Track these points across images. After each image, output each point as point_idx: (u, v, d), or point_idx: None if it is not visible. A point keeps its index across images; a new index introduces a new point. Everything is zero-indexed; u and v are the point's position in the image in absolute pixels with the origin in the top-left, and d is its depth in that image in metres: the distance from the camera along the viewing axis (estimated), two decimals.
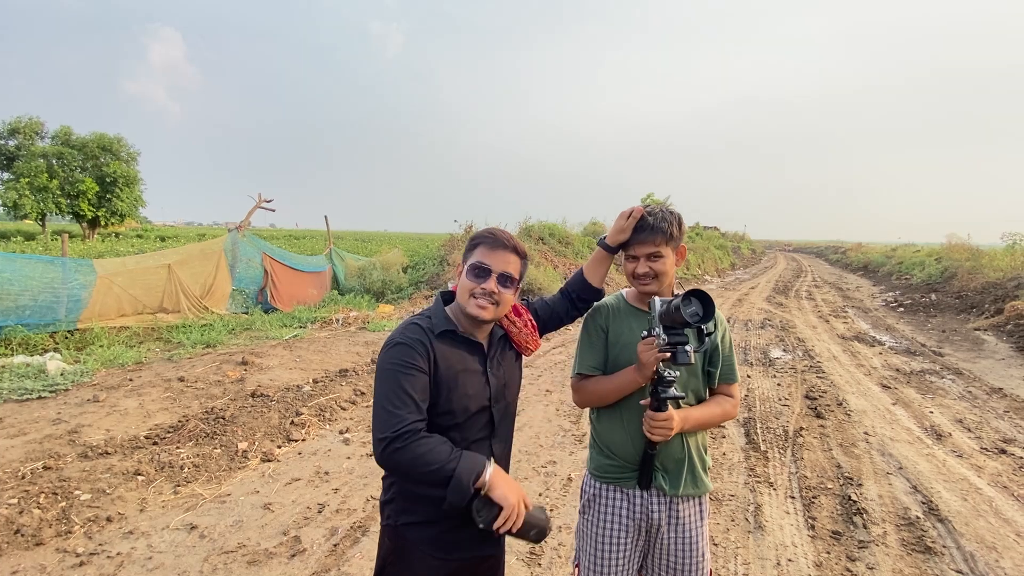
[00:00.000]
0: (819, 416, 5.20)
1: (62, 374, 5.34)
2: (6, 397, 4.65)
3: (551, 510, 3.27)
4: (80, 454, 3.72)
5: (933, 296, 14.61)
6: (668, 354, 1.38)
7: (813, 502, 3.47)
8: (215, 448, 3.96)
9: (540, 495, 3.46)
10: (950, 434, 4.78)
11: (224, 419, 4.39)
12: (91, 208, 28.37)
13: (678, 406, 1.52)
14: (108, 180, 28.90)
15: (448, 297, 1.48)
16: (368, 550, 2.83)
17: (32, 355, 5.90)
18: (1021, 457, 4.28)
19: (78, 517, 3.02)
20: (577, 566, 1.71)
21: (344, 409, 4.94)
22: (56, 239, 24.14)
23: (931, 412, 5.43)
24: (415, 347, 1.30)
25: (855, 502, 3.45)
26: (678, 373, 1.44)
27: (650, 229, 1.55)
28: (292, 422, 4.50)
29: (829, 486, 3.71)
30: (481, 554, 1.43)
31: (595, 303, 1.71)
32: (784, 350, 8.42)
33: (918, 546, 2.99)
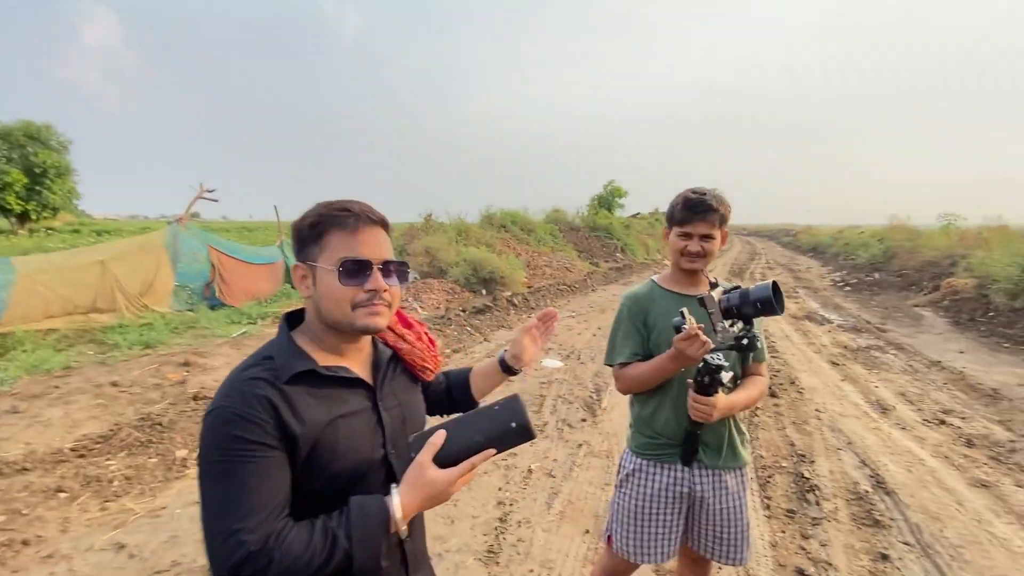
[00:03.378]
0: (773, 395, 5.32)
1: None
2: None
3: (509, 505, 3.19)
4: None
5: (876, 275, 15.36)
6: (713, 346, 1.43)
7: (768, 482, 3.52)
8: (150, 458, 3.68)
9: (500, 489, 3.38)
10: (894, 407, 4.98)
11: (161, 425, 4.09)
12: (19, 201, 26.29)
13: (727, 391, 1.58)
14: (37, 171, 26.83)
15: (296, 319, 1.06)
16: None
17: None
18: (958, 427, 4.49)
19: None
20: (609, 539, 1.80)
21: None
22: None
23: (876, 387, 5.65)
24: (252, 417, 0.87)
25: (808, 479, 3.52)
26: (728, 362, 1.47)
27: (710, 209, 1.61)
28: None
29: (783, 464, 3.79)
30: None
31: (627, 293, 1.78)
32: None
33: (867, 520, 3.07)
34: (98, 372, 5.40)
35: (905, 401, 5.18)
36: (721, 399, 1.52)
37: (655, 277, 1.81)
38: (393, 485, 0.95)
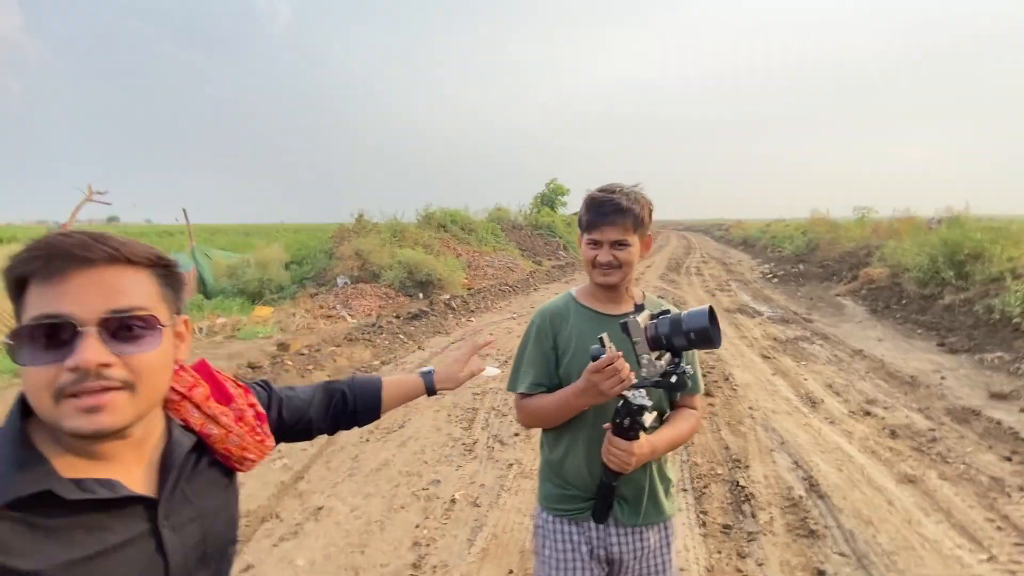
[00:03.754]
0: (707, 394, 5.25)
1: None
2: None
3: (426, 545, 2.83)
4: None
5: (801, 266, 16.14)
6: (633, 380, 1.19)
7: (704, 493, 3.36)
8: None
9: (417, 526, 3.01)
10: (822, 400, 5.03)
11: None
12: None
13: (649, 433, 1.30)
14: None
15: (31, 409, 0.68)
16: None
17: None
18: (882, 417, 4.57)
19: None
20: None
21: None
22: None
23: (805, 379, 5.73)
24: None
25: (743, 487, 3.39)
26: (651, 401, 1.20)
27: (620, 211, 1.33)
28: None
29: (719, 471, 3.65)
30: None
31: (541, 308, 1.50)
32: None
33: (802, 529, 2.95)
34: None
35: (832, 393, 5.26)
36: (642, 444, 1.26)
37: (574, 290, 1.52)
38: None
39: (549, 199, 27.55)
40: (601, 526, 1.39)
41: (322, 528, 3.00)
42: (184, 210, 9.51)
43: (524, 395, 1.44)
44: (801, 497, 3.28)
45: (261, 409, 0.90)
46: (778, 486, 3.44)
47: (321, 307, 8.67)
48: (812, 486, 3.42)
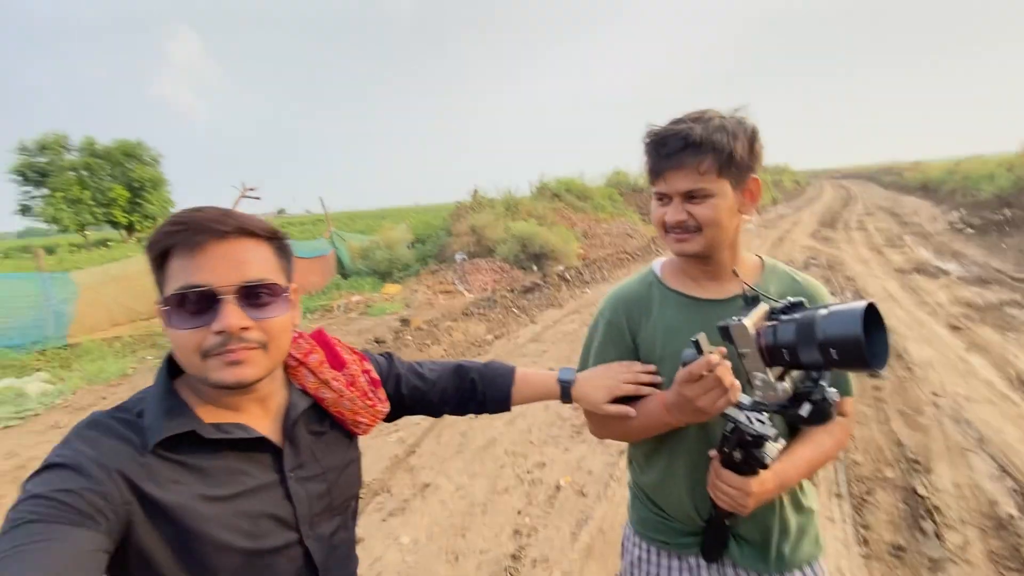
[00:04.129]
0: (872, 375, 4.33)
1: (43, 395, 5.13)
2: None
3: (527, 535, 2.68)
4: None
5: (1007, 211, 12.86)
6: (739, 399, 0.86)
7: (866, 501, 2.72)
8: None
9: (519, 512, 2.87)
10: None
11: None
12: (124, 214, 29.26)
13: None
14: (136, 185, 29.62)
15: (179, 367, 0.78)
16: None
17: (20, 377, 5.74)
18: None
19: None
20: None
21: None
22: (105, 247, 25.02)
23: (1016, 357, 4.46)
24: (74, 486, 0.62)
25: (923, 498, 2.68)
26: (774, 429, 0.87)
27: (693, 147, 0.92)
28: None
29: (887, 475, 2.94)
30: None
31: (613, 291, 1.16)
32: (832, 293, 7.40)
33: (1014, 561, 2.22)
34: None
35: None
36: (763, 481, 0.92)
37: (658, 264, 1.13)
38: None
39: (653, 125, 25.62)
40: (715, 565, 1.07)
41: (427, 506, 3.01)
42: (321, 199, 10.50)
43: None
44: (1011, 516, 2.49)
45: (376, 375, 0.95)
46: (976, 499, 2.66)
47: (440, 283, 9.00)
48: None
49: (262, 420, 0.81)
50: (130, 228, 30.27)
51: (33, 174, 28.20)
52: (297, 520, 0.80)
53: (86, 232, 29.83)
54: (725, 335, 0.85)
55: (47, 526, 0.59)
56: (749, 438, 0.87)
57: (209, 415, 0.76)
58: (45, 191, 28.07)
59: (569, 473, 3.22)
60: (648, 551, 1.14)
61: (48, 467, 0.65)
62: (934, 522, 2.50)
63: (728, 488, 0.93)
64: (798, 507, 1.07)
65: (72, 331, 6.57)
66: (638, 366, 1.06)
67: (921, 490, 2.74)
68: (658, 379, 1.03)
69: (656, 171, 0.99)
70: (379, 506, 3.07)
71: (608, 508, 2.85)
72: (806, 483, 1.09)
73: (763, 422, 0.87)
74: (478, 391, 1.09)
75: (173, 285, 0.71)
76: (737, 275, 1.00)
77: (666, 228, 1.00)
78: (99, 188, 28.57)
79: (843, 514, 2.63)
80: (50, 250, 25.29)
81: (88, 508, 0.62)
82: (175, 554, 0.70)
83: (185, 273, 0.71)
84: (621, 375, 1.04)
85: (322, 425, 0.88)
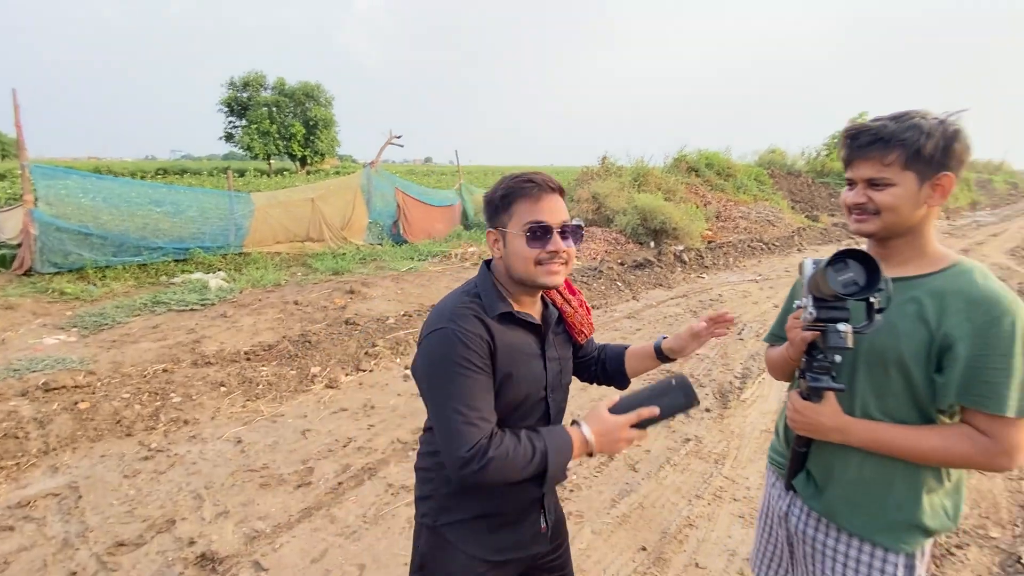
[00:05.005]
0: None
1: (219, 290, 6.39)
2: (171, 307, 5.72)
3: (569, 490, 2.83)
4: (192, 362, 4.38)
5: None
6: (814, 333, 1.11)
7: (951, 555, 2.40)
8: (292, 370, 4.32)
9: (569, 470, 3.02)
10: None
11: (310, 343, 4.76)
12: (300, 148, 33.60)
13: (853, 406, 1.15)
14: (312, 124, 33.68)
15: (491, 266, 1.25)
16: (364, 496, 2.77)
17: (207, 273, 7.18)
18: None
19: (165, 416, 3.55)
20: None
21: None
22: (281, 175, 29.28)
23: None
24: (473, 342, 1.08)
25: None
26: (838, 359, 1.10)
27: (882, 139, 1.09)
28: (367, 352, 4.69)
29: (992, 534, 2.54)
30: (531, 553, 1.28)
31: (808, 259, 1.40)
32: None
33: None
34: (292, 291, 6.57)
35: None
36: (821, 411, 1.14)
37: (865, 244, 1.27)
38: (576, 421, 1.13)
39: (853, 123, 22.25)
40: (790, 492, 1.30)
41: None
42: (456, 151, 11.09)
43: (769, 346, 1.46)
44: None
45: (587, 304, 1.38)
46: None
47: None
48: None
49: (536, 315, 1.24)
50: (303, 161, 34.77)
51: (237, 107, 33.42)
52: (548, 382, 1.23)
53: (271, 161, 34.89)
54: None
55: (477, 358, 1.09)
56: (820, 359, 1.11)
57: (516, 307, 1.20)
58: (244, 123, 33.24)
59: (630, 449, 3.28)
60: (768, 467, 1.43)
61: (452, 341, 1.08)
62: None
63: (791, 407, 1.19)
64: (878, 481, 1.14)
65: (246, 243, 7.97)
66: (716, 314, 1.35)
67: None
68: (730, 316, 1.34)
69: (848, 160, 1.17)
70: None
71: (654, 487, 2.88)
72: (931, 487, 1.12)
73: (829, 357, 1.10)
74: (601, 366, 1.45)
75: (521, 221, 1.13)
76: (928, 254, 1.16)
77: (849, 209, 1.18)
78: (283, 123, 33.05)
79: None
80: (240, 173, 30.16)
81: (480, 364, 1.09)
82: (500, 385, 1.14)
83: (530, 213, 1.13)
84: (701, 323, 1.35)
85: (559, 328, 1.30)
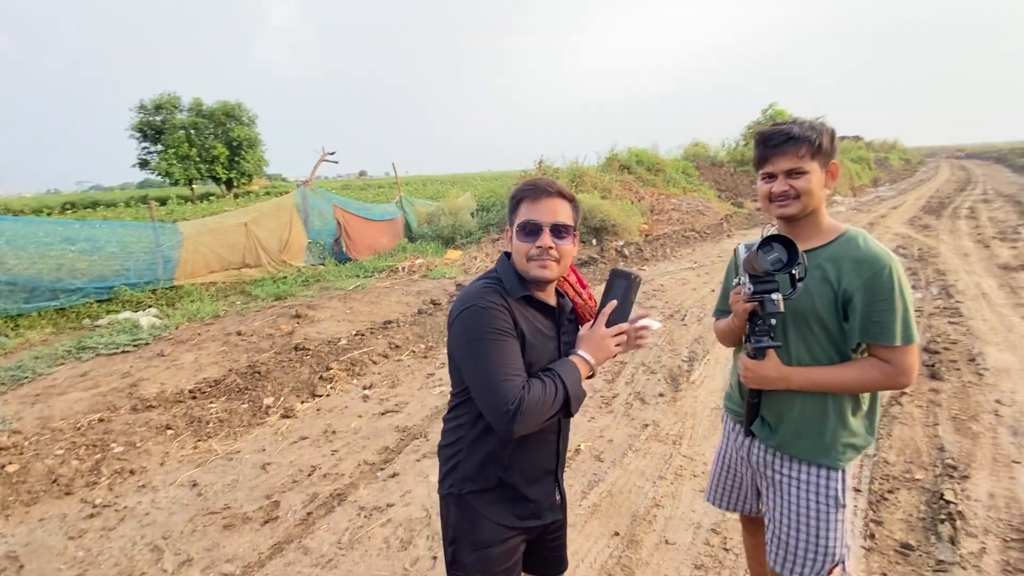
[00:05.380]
0: (934, 376, 4.09)
1: (152, 328, 6.01)
2: (99, 351, 5.33)
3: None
4: (132, 407, 4.11)
5: None
6: (754, 303, 1.36)
7: (885, 499, 2.69)
8: (243, 403, 4.15)
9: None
10: None
11: (260, 374, 4.59)
12: (225, 171, 31.96)
13: (789, 358, 1.43)
14: (235, 144, 32.14)
15: (511, 256, 1.39)
16: (336, 522, 2.73)
17: (136, 311, 6.73)
18: None
19: (107, 469, 3.32)
20: None
21: (375, 363, 4.92)
22: (207, 200, 27.66)
23: None
24: (500, 312, 1.24)
25: (949, 503, 2.61)
26: (773, 322, 1.37)
27: (793, 138, 1.36)
28: (321, 376, 4.58)
29: (917, 477, 2.86)
30: (549, 520, 1.43)
31: (740, 243, 1.67)
32: (913, 287, 6.85)
33: None
34: (233, 321, 6.28)
35: None
36: (765, 365, 1.41)
37: (776, 227, 1.52)
38: (571, 351, 1.34)
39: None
40: (749, 437, 1.56)
41: None
42: (393, 164, 10.97)
43: (715, 319, 1.71)
44: None
45: (595, 300, 1.48)
46: (1008, 511, 2.55)
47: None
48: None
49: (551, 300, 1.38)
50: (229, 184, 33.07)
51: (151, 131, 31.36)
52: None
53: (193, 186, 32.95)
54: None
55: (506, 341, 1.23)
56: (759, 324, 1.37)
57: (534, 291, 1.34)
58: (160, 147, 31.22)
59: (591, 440, 3.40)
60: (725, 413, 1.73)
61: (483, 309, 1.24)
62: (953, 527, 2.44)
63: (741, 364, 1.46)
64: (820, 415, 1.43)
65: (177, 275, 7.53)
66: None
67: (949, 495, 2.65)
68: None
69: (764, 158, 1.42)
70: (415, 448, 3.43)
71: (621, 474, 3.01)
72: (853, 410, 1.43)
73: (766, 322, 1.36)
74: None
75: (521, 218, 1.29)
76: (825, 228, 1.44)
77: (771, 199, 1.42)
78: (204, 146, 31.33)
79: (856, 509, 2.62)
80: (162, 201, 28.28)
81: (510, 331, 1.25)
82: (523, 346, 1.28)
83: (528, 213, 1.29)
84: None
85: (571, 315, 1.45)
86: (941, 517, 2.52)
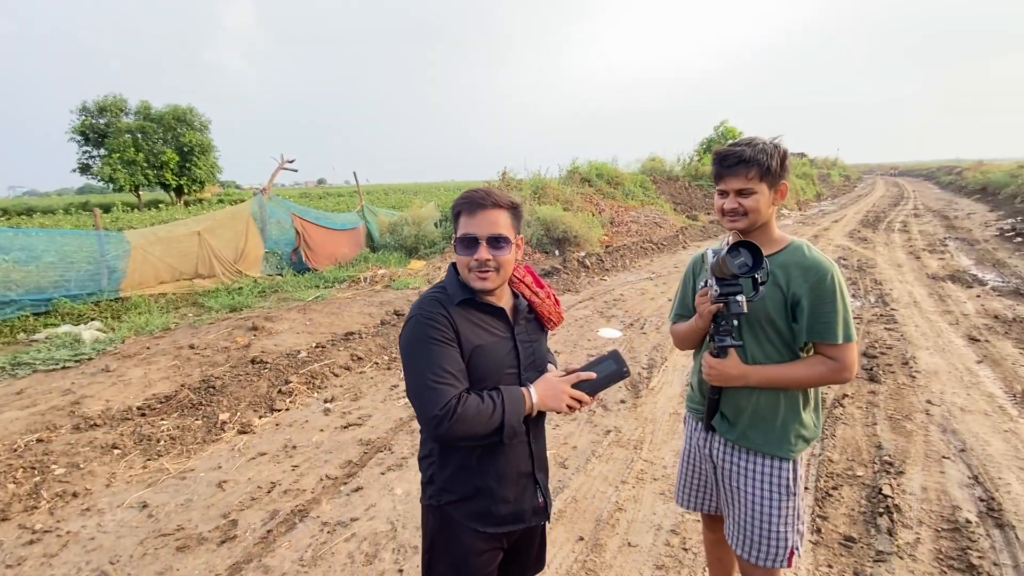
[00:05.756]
0: (872, 379, 4.37)
1: (96, 342, 5.69)
2: (36, 367, 5.00)
3: None
4: (74, 426, 3.88)
5: None
6: (720, 305, 1.45)
7: (830, 495, 2.86)
8: (197, 419, 3.98)
9: None
10: None
11: (214, 388, 4.42)
12: (174, 177, 30.63)
13: (746, 357, 1.53)
14: (186, 149, 30.89)
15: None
16: (298, 539, 2.67)
17: (77, 324, 6.35)
18: None
19: (47, 492, 3.12)
20: None
21: (336, 376, 4.83)
22: (156, 208, 26.40)
23: None
24: (436, 320, 1.28)
25: (887, 497, 2.80)
26: (736, 323, 1.48)
27: (744, 161, 1.46)
28: (280, 390, 4.46)
29: (858, 473, 3.06)
30: (531, 524, 1.45)
31: (695, 253, 1.81)
32: (853, 295, 7.30)
33: (959, 562, 2.34)
34: (185, 334, 6.03)
35: None
36: (726, 363, 1.51)
37: (730, 237, 1.62)
38: (526, 384, 1.34)
39: (718, 144, 24.86)
40: (710, 432, 1.67)
41: None
42: (355, 173, 10.83)
43: (673, 323, 1.81)
44: (968, 522, 2.59)
45: (556, 296, 1.52)
46: (939, 503, 2.76)
47: None
48: (990, 511, 2.67)
49: (502, 303, 1.41)
50: (179, 191, 31.71)
51: (93, 135, 29.75)
52: (520, 360, 1.39)
53: (140, 192, 31.42)
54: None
55: (442, 334, 1.27)
56: (723, 325, 1.47)
57: (478, 296, 1.36)
58: (103, 152, 29.64)
59: (556, 447, 3.46)
60: (687, 413, 1.82)
61: (422, 323, 1.28)
62: (891, 520, 2.62)
63: (704, 363, 1.56)
64: (781, 417, 1.55)
65: (123, 286, 7.16)
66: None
67: (887, 490, 2.85)
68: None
69: (719, 176, 1.53)
70: (380, 461, 3.39)
71: (585, 481, 3.08)
72: (804, 403, 1.56)
73: (728, 323, 1.46)
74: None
75: (460, 231, 1.33)
76: (775, 239, 1.57)
77: (723, 213, 1.54)
78: (152, 151, 29.97)
79: (804, 506, 2.78)
80: (106, 208, 26.80)
81: (448, 338, 1.28)
82: (469, 363, 1.31)
83: (466, 226, 1.32)
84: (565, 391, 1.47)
85: (530, 315, 1.47)
86: (880, 511, 2.70)
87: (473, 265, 1.31)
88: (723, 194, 1.54)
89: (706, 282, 1.53)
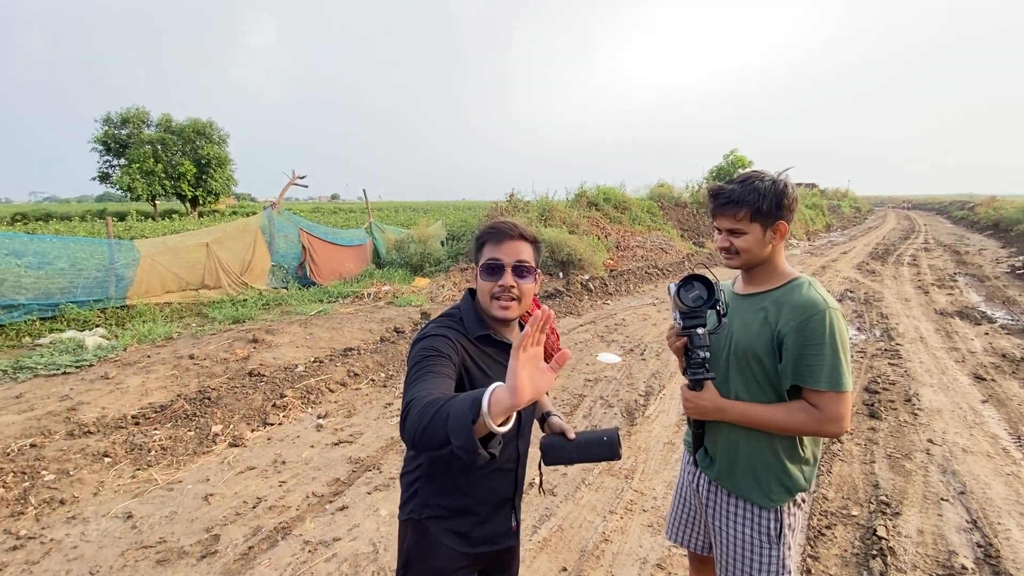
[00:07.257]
0: (873, 416, 4.29)
1: (98, 349, 5.75)
2: (38, 372, 5.05)
3: None
4: (68, 432, 3.90)
5: None
6: (684, 339, 1.45)
7: (823, 534, 2.79)
8: (189, 430, 3.99)
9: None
10: None
11: (210, 400, 4.44)
12: (191, 188, 31.24)
13: (730, 392, 1.50)
14: (203, 162, 31.56)
15: (475, 294, 1.44)
16: (279, 557, 2.64)
17: (82, 331, 6.43)
18: None
19: (35, 499, 3.12)
20: None
21: (331, 392, 4.83)
22: (169, 218, 26.88)
23: None
24: (445, 335, 1.28)
25: (881, 539, 2.72)
26: (705, 355, 1.44)
27: (733, 201, 1.43)
28: (274, 404, 4.46)
29: (853, 513, 2.98)
30: (503, 546, 1.45)
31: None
32: (858, 329, 7.22)
33: None
34: (187, 344, 6.07)
35: None
36: (703, 396, 1.48)
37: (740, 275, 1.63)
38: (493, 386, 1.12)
39: (728, 172, 24.98)
40: (696, 466, 1.64)
41: None
42: (364, 190, 11.00)
43: None
44: (964, 568, 2.51)
45: (558, 334, 1.56)
46: (935, 547, 2.68)
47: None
48: (988, 557, 2.58)
49: (512, 338, 1.40)
50: (194, 202, 32.29)
51: (115, 145, 30.53)
52: None
53: (156, 202, 32.03)
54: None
55: (436, 360, 1.21)
56: (694, 357, 1.45)
57: (493, 331, 1.37)
58: (123, 161, 30.37)
59: (546, 473, 3.42)
60: (685, 450, 1.75)
61: (428, 336, 1.28)
62: (884, 563, 2.54)
63: (682, 395, 1.53)
64: (751, 452, 1.48)
65: (130, 294, 7.26)
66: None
67: (882, 532, 2.77)
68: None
69: (713, 214, 1.52)
70: (367, 480, 3.36)
71: (572, 508, 3.03)
72: (790, 448, 1.46)
73: (698, 355, 1.43)
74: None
75: (485, 257, 1.34)
76: (780, 274, 1.51)
77: (719, 250, 1.52)
78: (170, 162, 30.65)
79: (797, 543, 2.70)
80: (121, 217, 27.32)
81: (449, 354, 1.25)
82: (472, 386, 1.28)
83: (491, 252, 1.34)
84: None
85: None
86: (873, 553, 2.62)
87: (497, 291, 1.31)
88: (718, 231, 1.51)
89: (672, 316, 1.54)
